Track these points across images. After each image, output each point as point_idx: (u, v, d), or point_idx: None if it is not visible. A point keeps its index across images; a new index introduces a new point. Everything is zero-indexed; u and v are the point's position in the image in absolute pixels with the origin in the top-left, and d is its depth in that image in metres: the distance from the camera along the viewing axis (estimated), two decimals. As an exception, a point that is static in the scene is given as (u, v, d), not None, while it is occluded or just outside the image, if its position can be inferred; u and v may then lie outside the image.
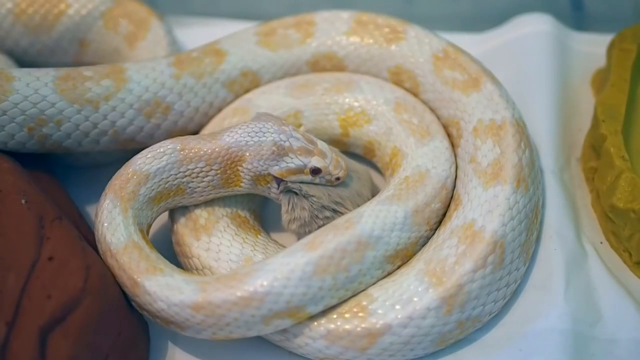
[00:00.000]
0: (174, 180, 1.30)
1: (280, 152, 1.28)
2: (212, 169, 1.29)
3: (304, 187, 1.29)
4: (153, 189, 1.29)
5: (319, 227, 1.29)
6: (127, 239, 1.24)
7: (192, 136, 1.32)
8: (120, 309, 1.21)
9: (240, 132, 1.29)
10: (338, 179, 1.31)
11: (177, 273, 1.22)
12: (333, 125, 1.43)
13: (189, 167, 1.29)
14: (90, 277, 1.18)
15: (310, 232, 1.29)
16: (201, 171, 1.30)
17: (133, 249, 1.23)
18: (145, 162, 1.29)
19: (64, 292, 1.16)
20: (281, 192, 1.30)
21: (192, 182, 1.30)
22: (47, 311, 1.14)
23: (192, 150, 1.29)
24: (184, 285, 1.19)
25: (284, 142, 1.29)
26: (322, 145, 1.31)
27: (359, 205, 1.30)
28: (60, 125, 1.34)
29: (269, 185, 1.31)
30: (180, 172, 1.29)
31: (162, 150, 1.30)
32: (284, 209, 1.31)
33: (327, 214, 1.30)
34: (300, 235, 1.33)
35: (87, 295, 1.17)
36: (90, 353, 1.15)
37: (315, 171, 1.29)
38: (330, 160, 1.30)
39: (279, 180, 1.30)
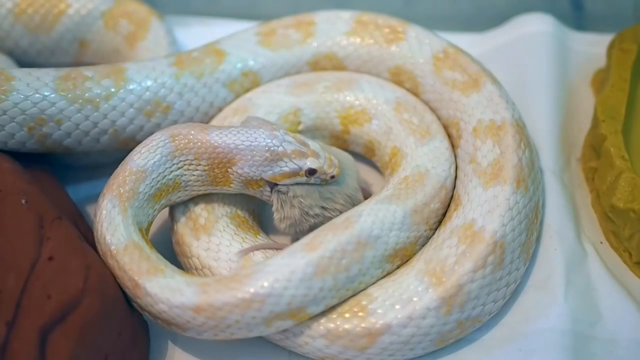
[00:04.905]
0: (169, 174, 1.30)
1: (274, 157, 1.28)
2: (200, 164, 1.29)
3: (292, 188, 1.29)
4: (152, 186, 1.29)
5: (310, 225, 1.29)
6: (127, 239, 1.23)
7: (185, 124, 1.32)
8: (120, 309, 1.21)
9: (230, 135, 1.29)
10: (333, 177, 1.31)
11: (177, 274, 1.22)
12: (334, 123, 1.43)
13: (181, 158, 1.29)
14: (90, 277, 1.18)
15: (301, 231, 1.30)
16: (191, 164, 1.30)
17: (134, 249, 1.23)
18: (141, 157, 1.29)
19: (64, 292, 1.16)
20: (273, 193, 1.30)
21: (185, 174, 1.30)
22: (47, 311, 1.14)
23: (183, 141, 1.29)
24: (184, 287, 1.19)
25: (277, 147, 1.28)
26: (314, 145, 1.31)
27: (349, 197, 1.31)
28: (60, 125, 1.34)
29: (261, 189, 1.31)
30: (173, 164, 1.29)
31: (154, 143, 1.30)
32: (274, 207, 1.31)
33: (317, 211, 1.29)
34: (291, 235, 1.33)
35: (87, 295, 1.17)
36: (90, 353, 1.15)
37: (311, 172, 1.29)
38: (324, 160, 1.30)
39: (271, 184, 1.30)
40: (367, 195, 1.37)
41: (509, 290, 1.28)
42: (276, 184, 1.29)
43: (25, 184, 1.27)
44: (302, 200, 1.29)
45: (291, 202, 1.29)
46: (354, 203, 1.32)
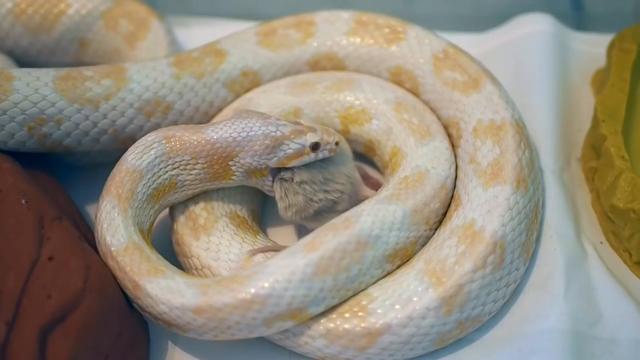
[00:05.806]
0: (164, 175, 1.30)
1: (274, 143, 1.28)
2: (198, 163, 1.29)
3: (297, 173, 1.30)
4: (149, 186, 1.29)
5: (315, 210, 1.30)
6: (127, 240, 1.23)
7: (178, 126, 1.32)
8: (120, 309, 1.21)
9: (226, 128, 1.29)
10: (337, 144, 1.31)
11: (178, 275, 1.22)
12: (334, 122, 1.43)
13: (176, 159, 1.29)
14: (90, 277, 1.18)
15: (306, 217, 1.31)
16: (188, 164, 1.30)
17: (134, 250, 1.23)
18: (135, 157, 1.29)
19: (64, 292, 1.16)
20: (275, 182, 1.31)
21: (181, 174, 1.30)
22: (47, 311, 1.14)
23: (177, 142, 1.29)
24: (185, 289, 1.19)
25: (275, 132, 1.28)
26: (306, 121, 1.32)
27: (347, 176, 1.32)
28: (60, 124, 1.35)
29: (264, 177, 1.31)
30: (169, 164, 1.29)
31: (148, 144, 1.30)
32: (277, 196, 1.31)
33: (321, 195, 1.30)
34: (298, 223, 1.34)
35: (87, 296, 1.17)
36: (90, 353, 1.15)
37: (315, 146, 1.29)
38: (321, 132, 1.30)
39: (274, 172, 1.30)
40: (362, 173, 1.38)
41: (508, 290, 1.28)
42: (279, 171, 1.29)
43: (25, 184, 1.27)
44: (306, 186, 1.29)
45: (295, 189, 1.30)
46: (352, 182, 1.33)
